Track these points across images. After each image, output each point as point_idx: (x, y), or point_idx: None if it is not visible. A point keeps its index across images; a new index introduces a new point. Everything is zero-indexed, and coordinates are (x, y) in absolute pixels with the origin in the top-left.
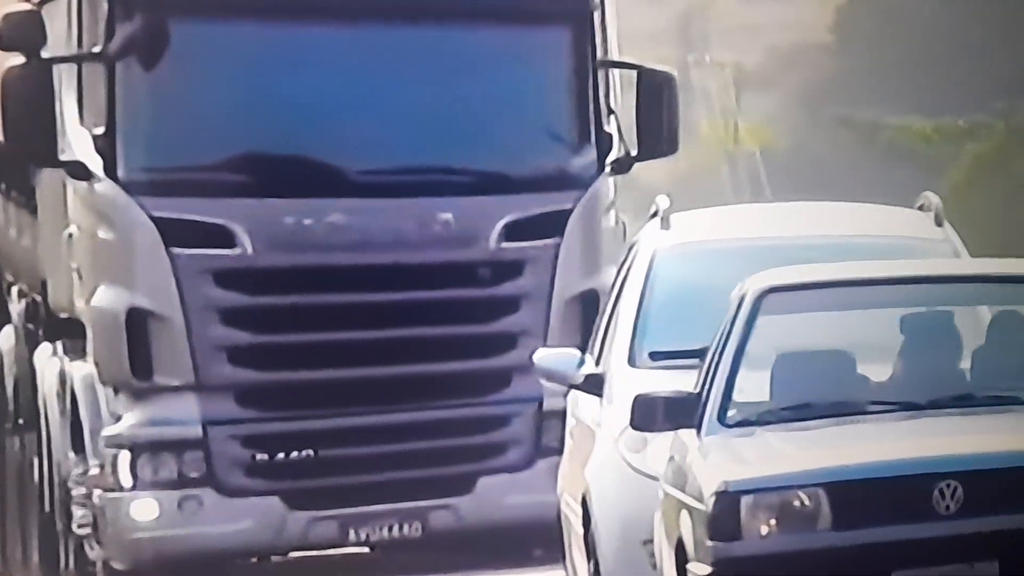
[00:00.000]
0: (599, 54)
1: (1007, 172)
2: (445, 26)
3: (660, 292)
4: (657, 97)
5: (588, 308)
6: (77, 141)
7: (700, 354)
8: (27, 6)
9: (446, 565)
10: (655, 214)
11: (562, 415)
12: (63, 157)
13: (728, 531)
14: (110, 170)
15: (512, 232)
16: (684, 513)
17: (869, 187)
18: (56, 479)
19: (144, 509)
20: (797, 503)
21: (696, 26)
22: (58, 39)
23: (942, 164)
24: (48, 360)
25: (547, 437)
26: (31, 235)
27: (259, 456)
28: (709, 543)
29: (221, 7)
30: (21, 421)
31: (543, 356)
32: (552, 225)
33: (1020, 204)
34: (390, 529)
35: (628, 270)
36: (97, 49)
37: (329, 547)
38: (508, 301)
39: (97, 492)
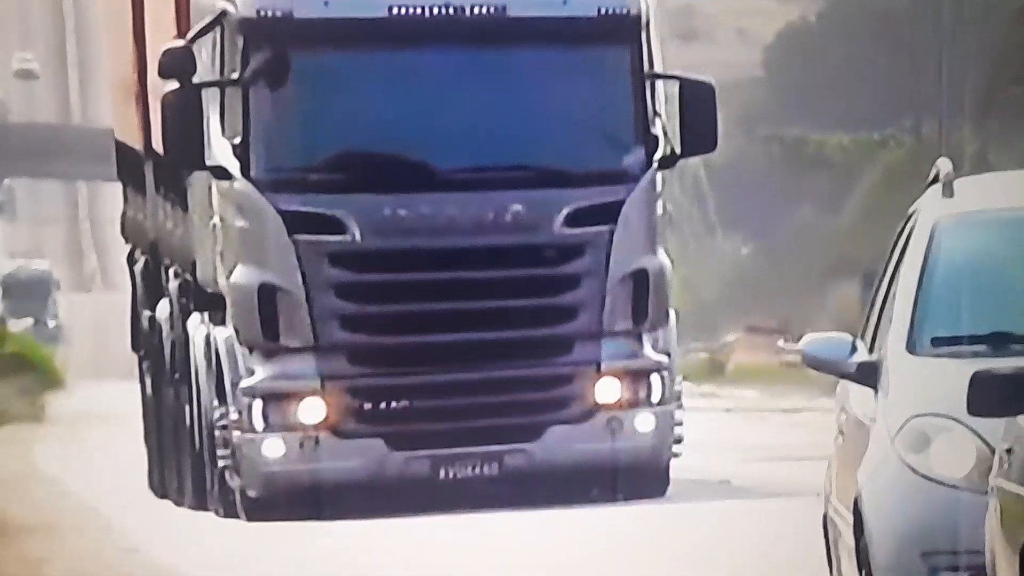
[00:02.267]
0: (646, 68)
1: (917, 175)
2: (518, 48)
3: (943, 268)
4: (697, 103)
5: (639, 284)
6: (220, 149)
7: (991, 339)
8: (181, 43)
9: (518, 501)
10: (935, 179)
11: (618, 376)
12: (209, 162)
13: None
14: (245, 172)
15: (573, 219)
16: None
17: (795, 192)
18: (204, 423)
19: (273, 447)
20: None
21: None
22: (205, 68)
23: (859, 171)
24: (197, 326)
25: (603, 396)
26: (184, 227)
27: (366, 405)
28: None
29: (331, 41)
30: (176, 376)
31: (811, 342)
32: (608, 213)
33: None
34: (472, 468)
35: (905, 243)
36: (235, 76)
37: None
38: (570, 278)
39: (236, 433)
